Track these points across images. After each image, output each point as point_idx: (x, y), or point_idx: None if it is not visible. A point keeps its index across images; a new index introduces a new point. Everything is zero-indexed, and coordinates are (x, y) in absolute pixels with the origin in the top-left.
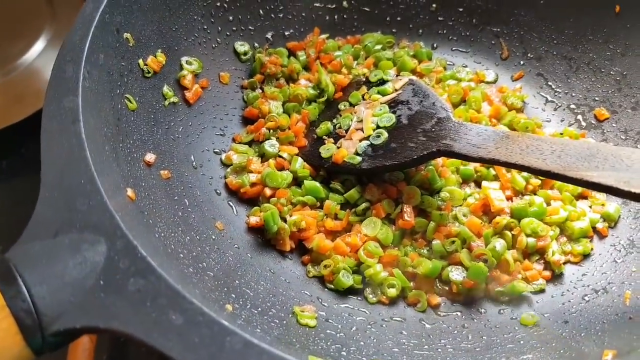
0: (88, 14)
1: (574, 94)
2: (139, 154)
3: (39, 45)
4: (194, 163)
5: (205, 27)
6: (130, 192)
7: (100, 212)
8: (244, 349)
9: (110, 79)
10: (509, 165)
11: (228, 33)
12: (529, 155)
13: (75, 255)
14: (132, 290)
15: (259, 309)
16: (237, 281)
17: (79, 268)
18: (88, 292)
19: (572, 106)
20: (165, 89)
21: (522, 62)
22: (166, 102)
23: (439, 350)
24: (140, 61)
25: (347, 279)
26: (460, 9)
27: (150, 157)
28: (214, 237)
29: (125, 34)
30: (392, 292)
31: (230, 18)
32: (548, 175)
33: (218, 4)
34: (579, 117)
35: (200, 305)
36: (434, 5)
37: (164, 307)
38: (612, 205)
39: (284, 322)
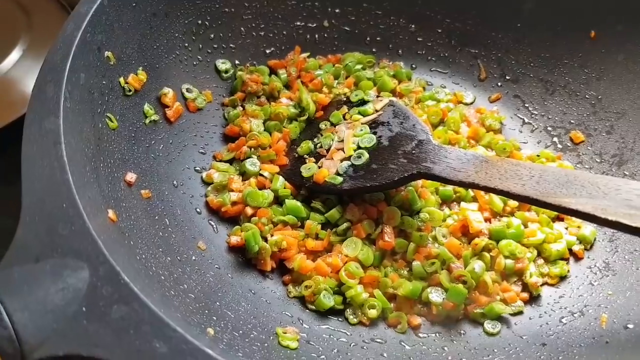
0: (69, 33)
1: (550, 117)
2: (120, 173)
3: (14, 55)
4: (175, 182)
5: (187, 44)
6: (111, 213)
7: (83, 236)
8: None
9: (92, 98)
10: (489, 190)
11: (209, 51)
12: (507, 180)
13: (57, 281)
14: (116, 317)
15: (240, 331)
16: (217, 303)
17: (61, 294)
18: (71, 319)
19: (549, 128)
20: (146, 107)
21: (499, 84)
22: (147, 120)
23: None
24: (122, 79)
25: (328, 300)
26: (439, 30)
27: (130, 176)
28: (194, 257)
29: (107, 52)
30: (373, 313)
31: (212, 36)
32: (527, 200)
33: (199, 22)
34: (555, 139)
35: (184, 334)
36: (413, 26)
37: (148, 334)
38: (588, 227)
39: (266, 344)
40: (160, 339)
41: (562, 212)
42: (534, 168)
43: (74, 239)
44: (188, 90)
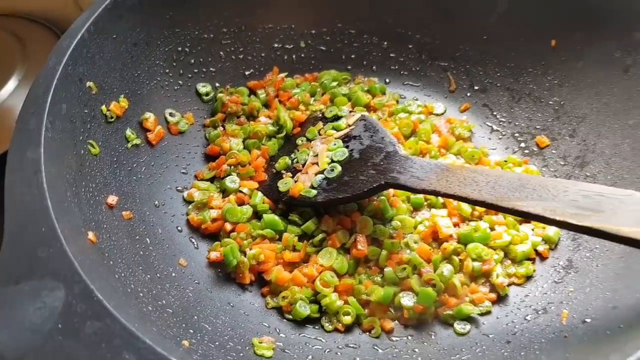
0: (51, 67)
1: (517, 123)
2: (101, 196)
3: (10, 85)
4: (156, 202)
5: (168, 70)
6: (91, 235)
7: (60, 258)
8: None
9: (73, 127)
10: (449, 196)
11: (190, 75)
12: (466, 187)
13: (35, 301)
14: (89, 332)
15: (217, 342)
16: (195, 316)
17: (39, 313)
18: (47, 336)
19: (516, 134)
20: (128, 132)
21: (468, 94)
22: (129, 145)
23: None
24: (103, 107)
25: (304, 309)
26: (410, 46)
27: (112, 199)
28: (174, 274)
29: (88, 82)
30: (348, 319)
31: (192, 61)
32: (483, 205)
33: (179, 48)
34: (522, 144)
35: (152, 345)
36: (385, 43)
37: (119, 347)
38: (553, 228)
39: (241, 354)
40: (130, 351)
41: (515, 214)
42: (490, 174)
43: (52, 261)
44: (171, 114)
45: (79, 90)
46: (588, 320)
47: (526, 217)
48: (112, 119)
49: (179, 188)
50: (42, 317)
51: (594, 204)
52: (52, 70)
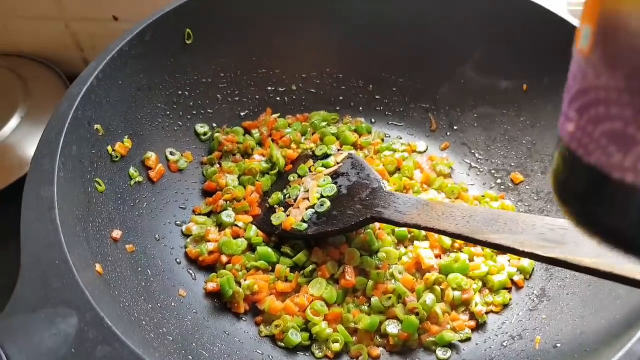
0: (62, 111)
1: (493, 160)
2: (107, 231)
3: (13, 122)
4: (157, 235)
5: (168, 112)
6: (98, 267)
7: (72, 288)
8: None
9: (82, 167)
10: (429, 229)
11: (189, 116)
12: (444, 220)
13: (50, 327)
14: (99, 356)
15: None
16: (194, 343)
17: (54, 339)
18: (62, 359)
19: (492, 171)
20: (131, 170)
21: (448, 133)
22: (132, 182)
23: None
24: (109, 147)
25: (296, 337)
26: (394, 89)
27: (116, 233)
28: (173, 303)
29: (96, 125)
30: (336, 346)
31: (191, 103)
32: (459, 237)
33: (179, 92)
34: (499, 180)
35: None
36: (371, 86)
37: None
38: (526, 260)
39: None
40: None
41: (488, 246)
42: (465, 209)
43: (65, 291)
44: (171, 153)
45: (87, 133)
46: (559, 345)
47: (498, 249)
48: (117, 158)
49: (178, 222)
50: (57, 343)
51: (558, 236)
52: (64, 115)
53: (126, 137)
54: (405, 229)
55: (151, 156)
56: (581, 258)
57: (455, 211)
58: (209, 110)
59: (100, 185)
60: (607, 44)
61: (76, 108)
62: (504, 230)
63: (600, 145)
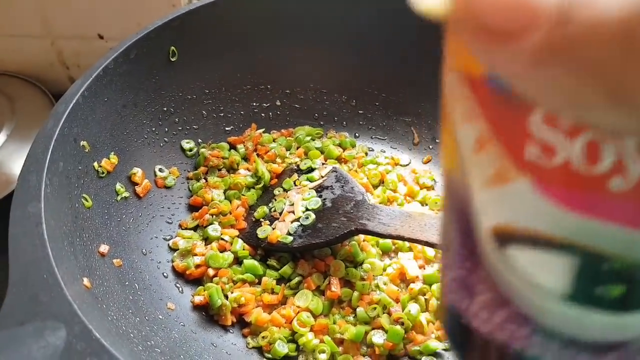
0: (49, 129)
1: None
2: (94, 245)
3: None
4: (144, 250)
5: (154, 129)
6: (86, 281)
7: (60, 302)
8: None
9: (69, 183)
10: (412, 241)
11: (174, 133)
12: (427, 231)
13: (39, 340)
14: None
15: None
16: (182, 356)
17: (42, 351)
18: None
19: None
20: (118, 186)
21: (431, 147)
22: (118, 197)
23: None
24: (95, 164)
25: (283, 348)
26: (377, 103)
27: (104, 248)
28: (161, 316)
29: (82, 142)
30: (323, 357)
31: (176, 120)
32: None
33: (165, 109)
34: None
35: None
36: (354, 101)
37: None
38: None
39: None
40: None
41: None
42: None
43: (53, 304)
44: (160, 170)
45: (73, 149)
46: None
47: None
48: (103, 174)
49: (165, 237)
50: (45, 355)
51: None
52: (50, 132)
53: (112, 153)
54: (389, 240)
55: (137, 172)
56: None
57: (438, 222)
58: (194, 126)
59: (87, 201)
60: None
61: (62, 125)
62: None
63: (451, 289)
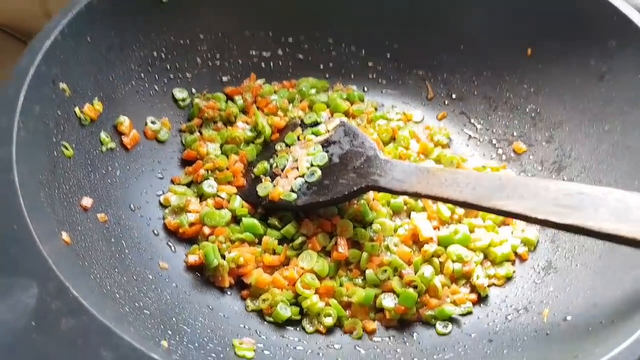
0: (23, 67)
1: (494, 130)
2: (75, 198)
3: None
4: (132, 205)
5: (143, 75)
6: (65, 236)
7: (33, 256)
8: None
9: (47, 128)
10: (430, 197)
11: (165, 80)
12: (447, 188)
13: (6, 299)
14: (64, 330)
15: (196, 344)
16: (174, 318)
17: (11, 311)
18: (20, 333)
19: (493, 141)
20: (103, 135)
21: (446, 102)
22: (103, 148)
23: None
24: (77, 110)
25: (285, 312)
26: (388, 55)
27: (86, 201)
28: (151, 276)
29: (62, 84)
30: (329, 321)
31: (168, 67)
32: (465, 205)
33: (155, 54)
34: (500, 151)
35: (131, 341)
36: (363, 52)
37: (96, 345)
38: (532, 231)
39: (221, 355)
40: (108, 347)
41: (497, 213)
42: (470, 175)
43: (24, 259)
44: (153, 122)
45: (52, 92)
46: (569, 318)
47: (508, 215)
48: (87, 122)
49: (155, 193)
50: (14, 315)
51: (575, 202)
52: (25, 69)
53: (96, 99)
54: (401, 200)
55: (124, 121)
56: (600, 224)
57: (460, 177)
58: (187, 75)
59: (67, 149)
60: None
61: (39, 64)
62: (514, 196)
63: None
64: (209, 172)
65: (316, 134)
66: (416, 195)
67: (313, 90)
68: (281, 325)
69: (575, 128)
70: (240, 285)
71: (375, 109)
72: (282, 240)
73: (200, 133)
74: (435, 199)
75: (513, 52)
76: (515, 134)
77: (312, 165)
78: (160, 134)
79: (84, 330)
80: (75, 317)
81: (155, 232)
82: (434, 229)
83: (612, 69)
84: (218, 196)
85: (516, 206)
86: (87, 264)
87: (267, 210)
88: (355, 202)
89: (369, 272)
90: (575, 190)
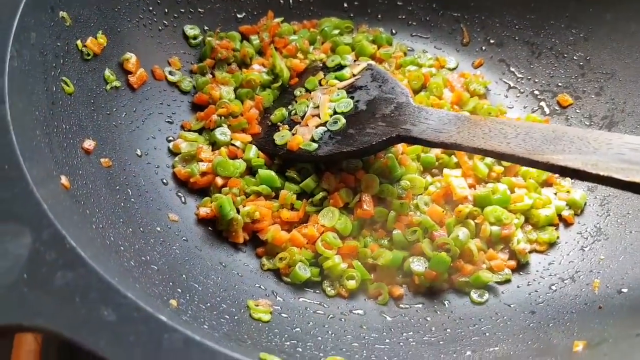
0: None
1: (536, 80)
2: (77, 140)
3: None
4: (139, 151)
5: (151, 8)
6: (64, 179)
7: (26, 200)
8: (185, 347)
9: (44, 60)
10: (472, 150)
11: (176, 15)
12: (492, 139)
13: None
14: (60, 284)
15: (208, 304)
16: (184, 275)
17: (0, 262)
18: (10, 287)
19: (536, 92)
20: (107, 73)
21: (483, 48)
22: (108, 87)
23: (401, 344)
24: (79, 42)
25: (304, 272)
26: None
27: (89, 143)
28: (159, 229)
29: (61, 12)
30: (352, 284)
31: (178, 0)
32: (512, 159)
33: None
34: (542, 103)
35: (135, 300)
36: None
37: (95, 302)
38: (578, 192)
39: (236, 317)
40: (109, 306)
41: (550, 169)
42: (519, 126)
43: (16, 202)
44: (171, 73)
45: (50, 20)
46: (625, 290)
47: (563, 172)
48: (89, 57)
49: (164, 138)
50: (4, 266)
51: None
52: None
53: (100, 32)
54: (433, 155)
55: (131, 58)
56: None
57: (507, 128)
58: (199, 10)
59: (68, 85)
60: None
61: None
62: (571, 150)
63: None
64: (222, 118)
65: (340, 79)
66: (455, 147)
67: (336, 31)
68: (299, 286)
69: (629, 79)
70: (255, 241)
71: (405, 54)
72: (301, 195)
73: (213, 75)
74: (478, 151)
75: None
76: (560, 84)
77: (335, 112)
78: (184, 84)
79: (82, 285)
80: (72, 271)
81: (164, 181)
82: (470, 187)
83: None
84: (232, 144)
85: (574, 161)
86: (89, 212)
87: (285, 162)
88: (382, 155)
89: (396, 233)
90: None
